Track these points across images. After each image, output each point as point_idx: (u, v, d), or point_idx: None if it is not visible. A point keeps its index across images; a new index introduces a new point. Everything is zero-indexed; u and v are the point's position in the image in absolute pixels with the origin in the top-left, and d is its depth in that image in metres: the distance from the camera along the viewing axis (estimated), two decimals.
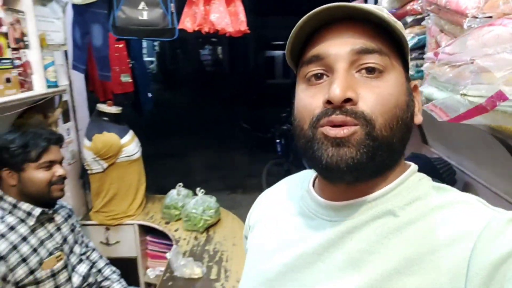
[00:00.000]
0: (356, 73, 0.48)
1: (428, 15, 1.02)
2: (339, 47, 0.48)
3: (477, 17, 0.76)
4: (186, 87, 12.55)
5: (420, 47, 1.07)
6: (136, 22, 1.69)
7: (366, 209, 0.50)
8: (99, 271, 1.73)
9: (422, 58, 1.05)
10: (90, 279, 1.60)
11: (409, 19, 1.10)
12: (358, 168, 0.47)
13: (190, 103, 11.02)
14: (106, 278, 1.73)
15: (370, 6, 0.48)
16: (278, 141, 4.82)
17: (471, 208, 0.47)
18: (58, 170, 1.45)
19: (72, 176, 2.17)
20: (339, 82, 0.46)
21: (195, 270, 1.60)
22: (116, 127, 2.13)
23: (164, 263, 2.34)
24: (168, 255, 1.66)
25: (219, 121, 8.82)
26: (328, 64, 0.49)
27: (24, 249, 1.33)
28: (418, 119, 0.53)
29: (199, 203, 2.04)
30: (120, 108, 2.17)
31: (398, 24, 0.49)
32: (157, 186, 2.48)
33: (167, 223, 2.19)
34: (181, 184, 2.26)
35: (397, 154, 0.51)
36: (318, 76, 0.50)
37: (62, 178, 1.46)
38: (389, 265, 0.46)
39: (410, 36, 1.09)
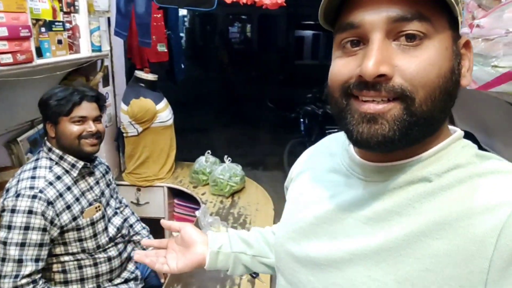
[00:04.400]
0: (393, 41, 0.45)
1: None
2: (374, 14, 0.45)
3: None
4: (213, 63, 12.62)
5: None
6: None
7: (401, 174, 0.49)
8: (131, 226, 1.86)
9: None
10: (124, 231, 1.72)
11: None
12: (389, 145, 0.46)
13: (217, 80, 11.11)
14: (137, 233, 1.86)
15: None
16: (302, 120, 4.86)
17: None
18: (90, 126, 1.48)
19: (108, 139, 2.30)
20: (372, 56, 0.44)
21: (221, 229, 1.70)
22: (152, 93, 2.23)
23: None
24: (197, 213, 1.77)
25: (244, 99, 8.87)
26: (363, 33, 0.46)
27: (68, 197, 1.45)
28: (467, 80, 0.49)
29: (226, 169, 2.14)
30: (156, 76, 2.27)
31: None
32: (179, 158, 2.57)
33: (195, 187, 2.30)
34: (209, 151, 2.36)
35: (438, 125, 0.49)
36: (354, 43, 0.48)
37: (93, 134, 1.49)
38: (416, 227, 0.46)
39: None
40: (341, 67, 0.49)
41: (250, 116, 7.53)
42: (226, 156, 2.19)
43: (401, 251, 0.46)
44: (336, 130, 2.67)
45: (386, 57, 0.44)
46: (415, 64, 0.44)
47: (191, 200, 2.38)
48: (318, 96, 5.07)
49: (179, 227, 0.80)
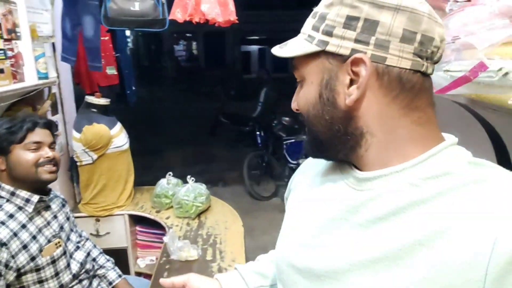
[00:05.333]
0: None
1: None
2: None
3: (457, 1, 0.86)
4: (162, 83, 12.45)
5: None
6: (127, 13, 1.72)
7: (389, 180, 0.51)
8: (94, 259, 1.75)
9: None
10: (87, 266, 1.62)
11: None
12: (312, 154, 0.64)
13: (166, 99, 10.95)
14: (102, 267, 1.75)
15: (288, 44, 0.58)
16: (258, 133, 4.91)
17: (508, 185, 0.46)
18: (47, 152, 1.41)
19: (60, 169, 2.16)
20: (293, 98, 0.62)
21: (191, 253, 1.65)
22: (105, 118, 2.14)
23: (154, 252, 2.39)
24: (165, 238, 1.71)
25: (196, 116, 8.81)
26: None
27: (24, 236, 1.34)
28: (349, 100, 0.52)
29: (190, 190, 2.09)
30: (108, 100, 2.19)
31: (296, 48, 0.56)
32: (137, 183, 2.46)
33: (157, 211, 2.23)
34: (171, 173, 2.30)
35: (336, 139, 0.55)
36: None
37: (51, 160, 1.42)
38: (411, 235, 0.46)
39: None
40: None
41: (205, 133, 7.48)
42: (189, 176, 2.15)
43: (398, 261, 0.47)
44: (293, 140, 2.75)
45: (297, 96, 0.60)
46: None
47: (155, 226, 2.29)
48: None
49: (183, 281, 0.78)
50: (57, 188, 2.06)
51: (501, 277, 0.40)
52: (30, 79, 1.67)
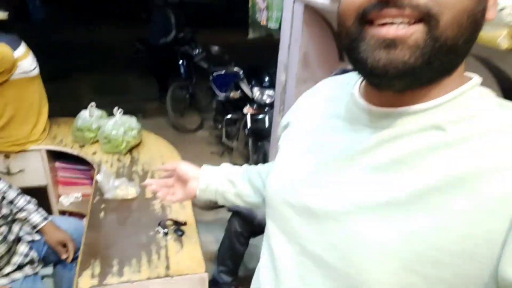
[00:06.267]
0: None
1: None
2: None
3: None
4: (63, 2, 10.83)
5: None
6: None
7: (412, 120, 0.45)
8: (11, 202, 1.54)
9: None
10: (4, 211, 1.42)
11: None
12: (409, 74, 0.41)
13: (70, 20, 9.62)
14: (21, 209, 1.55)
15: None
16: (180, 63, 4.60)
17: None
18: None
19: None
20: None
21: (129, 191, 1.53)
22: (4, 36, 1.77)
23: (79, 189, 2.20)
24: (98, 177, 1.55)
25: (107, 41, 7.96)
26: None
27: None
28: (492, 14, 0.43)
29: (118, 123, 1.89)
30: (6, 13, 1.79)
31: None
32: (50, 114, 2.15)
33: (81, 146, 2.00)
34: (93, 104, 2.05)
35: (460, 58, 0.44)
36: None
37: None
38: (429, 181, 0.42)
39: None
40: None
41: (118, 60, 6.83)
42: (116, 108, 1.93)
43: (411, 207, 0.42)
44: (222, 72, 2.56)
45: None
46: None
47: (77, 162, 2.08)
48: (192, 35, 4.82)
49: (172, 166, 0.94)
50: None
51: None
52: None
